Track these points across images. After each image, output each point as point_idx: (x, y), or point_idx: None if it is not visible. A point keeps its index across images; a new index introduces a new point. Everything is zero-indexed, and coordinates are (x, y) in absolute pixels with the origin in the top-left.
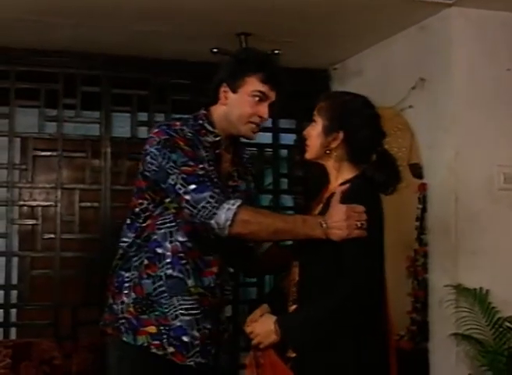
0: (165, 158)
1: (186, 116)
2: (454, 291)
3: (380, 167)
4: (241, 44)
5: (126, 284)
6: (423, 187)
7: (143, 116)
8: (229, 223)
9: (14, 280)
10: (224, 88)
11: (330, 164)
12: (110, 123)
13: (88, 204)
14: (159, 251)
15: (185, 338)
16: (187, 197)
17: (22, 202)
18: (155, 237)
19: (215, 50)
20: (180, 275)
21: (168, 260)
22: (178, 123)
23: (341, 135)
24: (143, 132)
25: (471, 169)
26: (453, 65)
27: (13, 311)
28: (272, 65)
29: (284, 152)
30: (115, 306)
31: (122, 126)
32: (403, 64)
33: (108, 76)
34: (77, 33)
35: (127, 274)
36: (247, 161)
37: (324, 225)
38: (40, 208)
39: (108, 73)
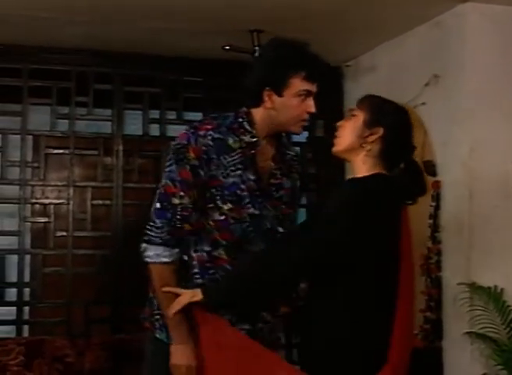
0: (168, 165)
1: (227, 113)
2: (468, 290)
3: (409, 177)
4: (253, 41)
5: None
6: (436, 185)
7: (155, 114)
8: (150, 261)
9: (26, 278)
10: (268, 92)
11: (358, 159)
12: (122, 120)
13: (100, 202)
14: (185, 258)
15: None
16: (152, 209)
17: (34, 200)
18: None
19: (227, 47)
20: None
21: (196, 270)
22: (209, 127)
23: (381, 131)
24: (155, 129)
25: (485, 167)
26: (467, 61)
27: (26, 308)
28: (311, 60)
29: (296, 150)
30: (154, 300)
31: (134, 124)
32: (417, 60)
33: (119, 73)
34: (89, 31)
35: None
36: (291, 158)
37: (177, 343)
38: (52, 206)
39: (120, 71)
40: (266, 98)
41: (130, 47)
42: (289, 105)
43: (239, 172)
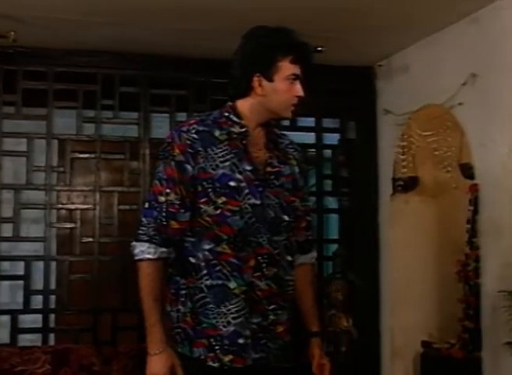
0: (157, 167)
1: (210, 112)
2: (509, 297)
3: None
4: None
5: (183, 291)
6: (474, 188)
7: (182, 117)
8: (136, 258)
9: (52, 285)
10: (258, 78)
11: None
12: (149, 123)
13: (127, 206)
14: (192, 260)
15: (241, 341)
16: (142, 209)
17: (60, 205)
18: (187, 245)
19: None
20: (220, 281)
21: (204, 271)
22: (192, 121)
23: None
24: None
25: None
26: (506, 59)
27: (52, 316)
28: (297, 43)
29: (328, 152)
30: (172, 314)
31: (160, 127)
32: (453, 59)
33: (146, 76)
34: (115, 33)
35: (183, 281)
36: (286, 146)
37: (151, 351)
38: (78, 212)
39: (147, 73)
40: (256, 84)
41: (156, 49)
42: (279, 89)
43: (228, 163)
